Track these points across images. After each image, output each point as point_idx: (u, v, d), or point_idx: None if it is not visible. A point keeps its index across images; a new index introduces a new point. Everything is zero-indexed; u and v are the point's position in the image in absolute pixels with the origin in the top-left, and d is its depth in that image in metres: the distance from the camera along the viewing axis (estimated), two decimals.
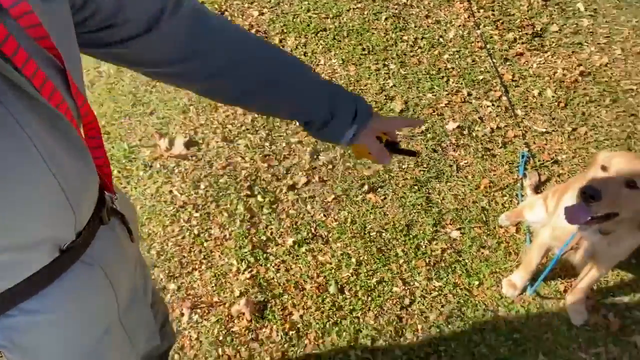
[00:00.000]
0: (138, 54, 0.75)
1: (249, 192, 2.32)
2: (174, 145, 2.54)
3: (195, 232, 2.16)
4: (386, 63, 3.03)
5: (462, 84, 2.89)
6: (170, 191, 2.33)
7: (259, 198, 2.30)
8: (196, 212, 2.24)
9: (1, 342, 0.64)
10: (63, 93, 0.58)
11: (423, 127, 2.64)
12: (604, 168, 1.44)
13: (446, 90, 2.85)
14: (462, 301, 1.96)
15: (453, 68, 2.99)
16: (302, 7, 3.41)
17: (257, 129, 2.63)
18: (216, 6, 3.38)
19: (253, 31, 3.21)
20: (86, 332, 0.74)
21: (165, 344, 1.31)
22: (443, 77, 2.94)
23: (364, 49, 3.10)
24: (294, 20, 3.31)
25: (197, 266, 2.05)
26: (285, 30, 3.24)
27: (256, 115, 2.70)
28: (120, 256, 0.79)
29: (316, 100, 0.86)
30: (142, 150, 2.52)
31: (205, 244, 2.12)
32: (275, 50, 0.85)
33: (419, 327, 1.88)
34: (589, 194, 1.36)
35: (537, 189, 2.32)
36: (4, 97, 0.50)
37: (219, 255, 2.09)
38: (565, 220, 1.42)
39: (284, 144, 2.55)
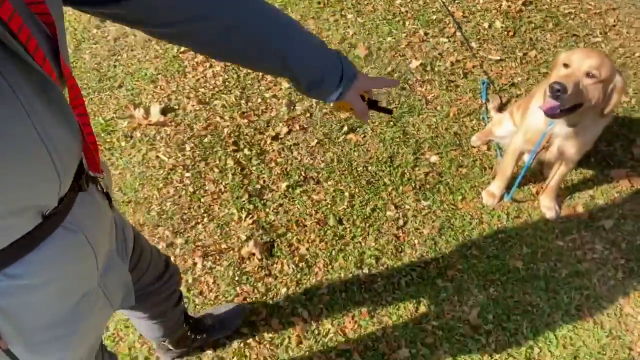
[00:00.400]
0: (134, 13, 0.75)
1: (235, 147, 2.39)
2: (151, 114, 2.55)
3: (191, 190, 2.23)
4: (343, 14, 3.12)
5: (417, 25, 3.03)
6: (157, 156, 2.36)
7: (246, 151, 2.38)
8: (187, 172, 2.30)
9: None
10: (51, 61, 0.58)
11: (389, 69, 2.77)
12: (565, 65, 1.62)
13: (404, 32, 2.99)
14: (449, 215, 2.14)
15: (407, 11, 3.12)
16: None
17: (230, 89, 2.68)
18: None
19: None
20: (67, 295, 0.75)
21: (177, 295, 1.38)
22: (399, 20, 3.07)
23: (319, 2, 3.17)
24: None
25: (199, 220, 2.12)
26: None
27: (227, 76, 2.74)
28: (100, 222, 0.80)
29: (309, 62, 0.88)
30: (118, 122, 2.52)
31: (202, 200, 2.19)
32: (273, 10, 0.86)
33: (416, 242, 2.05)
34: (556, 88, 1.54)
35: (500, 109, 2.52)
36: (2, 67, 0.50)
37: (218, 208, 2.17)
38: (544, 114, 1.61)
39: (259, 100, 2.62)
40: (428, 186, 2.25)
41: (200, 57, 2.84)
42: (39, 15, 0.55)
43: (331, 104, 0.99)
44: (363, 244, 2.05)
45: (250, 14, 0.83)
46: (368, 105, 1.01)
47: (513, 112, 2.20)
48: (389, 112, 1.09)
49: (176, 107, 2.59)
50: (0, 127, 0.52)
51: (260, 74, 2.76)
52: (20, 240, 0.63)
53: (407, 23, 3.05)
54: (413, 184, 2.25)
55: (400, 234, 2.08)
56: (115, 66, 2.80)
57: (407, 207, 2.17)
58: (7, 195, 0.57)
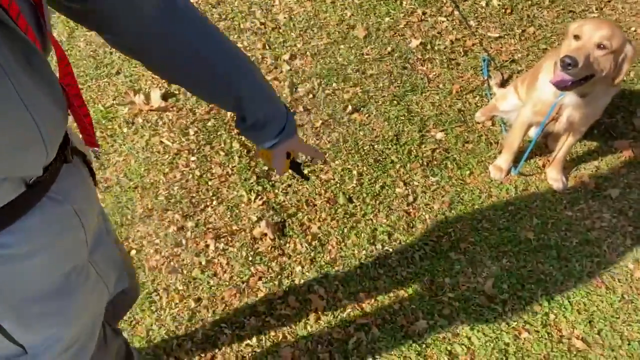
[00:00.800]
0: (95, 15, 0.72)
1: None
2: (151, 100, 2.52)
3: (198, 173, 2.20)
4: None
5: (415, 4, 3.03)
6: (161, 142, 2.33)
7: None
8: (192, 156, 2.27)
9: None
10: (35, 30, 0.57)
11: (389, 48, 2.76)
12: (576, 37, 1.63)
13: (402, 12, 2.98)
14: (458, 190, 2.15)
15: None
16: None
17: None
18: None
19: None
20: (56, 267, 0.74)
21: (133, 294, 1.30)
22: (396, 0, 3.06)
23: None
24: None
25: (208, 203, 2.10)
26: None
27: None
28: (87, 194, 0.80)
29: (260, 109, 0.91)
30: (119, 109, 2.48)
31: (210, 183, 2.18)
32: (237, 52, 0.87)
33: (426, 217, 2.06)
34: (567, 62, 1.54)
35: (502, 85, 2.53)
36: None
37: (227, 190, 2.15)
38: (555, 87, 1.62)
39: None
40: (435, 162, 2.25)
41: None
42: None
43: (257, 149, 1.02)
44: (374, 220, 2.05)
45: (214, 51, 0.83)
46: (290, 164, 1.06)
47: (517, 86, 2.21)
48: (306, 178, 1.15)
49: (176, 92, 2.56)
50: None
51: (260, 57, 2.74)
52: (5, 209, 0.62)
53: (404, 3, 3.04)
54: (420, 161, 2.26)
55: (411, 210, 2.09)
56: (111, 53, 2.75)
57: (416, 183, 2.18)
58: None
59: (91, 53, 2.74)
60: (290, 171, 1.08)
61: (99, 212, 0.89)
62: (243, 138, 2.34)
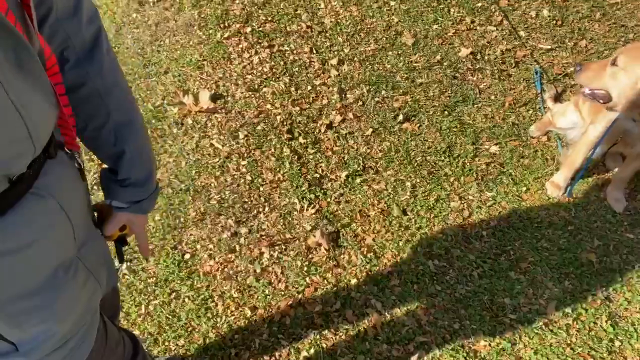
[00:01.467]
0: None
1: (289, 135, 2.34)
2: (200, 100, 2.50)
3: (249, 178, 2.18)
4: (386, 1, 3.06)
5: (463, 13, 2.98)
6: (211, 144, 2.31)
7: (301, 140, 2.33)
8: (243, 160, 2.25)
9: None
10: (22, 27, 0.57)
11: (438, 57, 2.72)
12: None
13: (450, 20, 2.93)
14: (515, 206, 2.11)
15: None
16: None
17: (277, 76, 2.62)
18: None
19: None
20: (43, 263, 0.73)
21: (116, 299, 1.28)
22: (444, 7, 3.01)
23: None
24: None
25: (260, 209, 2.08)
26: None
27: (273, 63, 2.68)
28: (73, 190, 0.79)
29: (136, 166, 0.90)
30: (168, 109, 2.46)
31: (261, 189, 2.15)
32: (132, 104, 0.88)
33: (484, 233, 2.02)
34: (575, 69, 1.57)
35: (557, 99, 2.48)
36: None
37: (279, 197, 2.12)
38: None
39: (309, 88, 2.57)
40: (490, 177, 2.21)
41: (244, 43, 2.78)
42: None
43: (106, 202, 0.96)
44: (430, 234, 2.01)
45: (116, 100, 0.84)
46: (118, 237, 1.00)
47: (578, 103, 2.16)
48: (121, 261, 1.06)
49: (225, 94, 2.54)
50: None
51: (307, 61, 2.71)
52: None
53: (452, 11, 2.99)
54: (475, 175, 2.21)
55: (467, 225, 2.05)
56: (158, 51, 2.73)
57: (471, 197, 2.14)
58: None
59: (139, 51, 2.73)
60: (112, 239, 1.01)
61: (88, 207, 0.88)
62: (293, 144, 2.31)
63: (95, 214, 0.97)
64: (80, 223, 0.80)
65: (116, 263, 1.02)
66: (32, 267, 0.71)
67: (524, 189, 2.17)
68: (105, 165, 0.92)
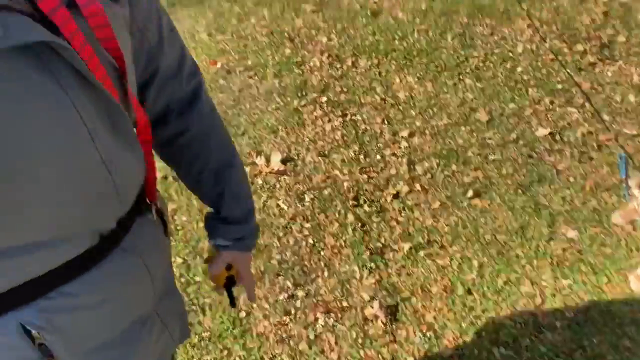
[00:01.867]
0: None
1: (355, 202, 2.34)
2: (271, 162, 2.60)
3: (311, 241, 2.18)
4: (461, 78, 3.10)
5: (541, 93, 2.94)
6: (277, 205, 2.36)
7: (366, 208, 2.32)
8: (307, 223, 2.27)
9: (40, 323, 0.63)
10: (119, 91, 0.61)
11: (514, 135, 2.67)
12: None
13: (527, 100, 2.90)
14: (595, 298, 1.93)
15: (529, 79, 3.04)
16: (367, 31, 3.53)
17: (348, 143, 2.68)
18: (286, 34, 3.52)
19: (325, 56, 3.33)
20: (122, 317, 0.74)
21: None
22: (521, 87, 2.99)
23: (436, 66, 3.18)
24: (362, 43, 3.43)
25: (319, 274, 2.06)
26: (356, 53, 3.35)
27: (345, 132, 2.76)
28: (157, 246, 0.81)
29: (237, 203, 0.92)
30: None
31: (322, 253, 2.14)
32: (229, 147, 0.91)
33: (557, 324, 1.85)
34: None
35: None
36: (70, 90, 0.53)
37: (339, 263, 2.10)
38: None
39: (378, 157, 2.60)
40: (567, 263, 2.05)
41: (319, 111, 2.90)
42: (110, 51, 0.58)
43: (210, 246, 0.97)
44: (496, 319, 1.88)
45: (215, 145, 0.87)
46: (227, 278, 0.99)
47: None
48: (233, 305, 1.06)
49: (295, 157, 2.62)
50: (62, 144, 0.54)
51: (379, 131, 2.76)
52: (77, 260, 0.63)
53: (530, 91, 2.96)
54: (549, 259, 2.07)
55: (539, 313, 1.89)
56: (239, 115, 2.91)
57: (545, 284, 1.99)
58: (67, 216, 0.59)
59: (222, 114, 2.90)
60: (221, 284, 1.00)
61: (168, 263, 0.89)
62: (358, 211, 2.31)
63: (208, 255, 1.00)
64: (160, 277, 0.81)
65: (230, 308, 1.03)
66: (112, 320, 0.73)
67: (605, 280, 1.99)
68: (208, 209, 0.96)
